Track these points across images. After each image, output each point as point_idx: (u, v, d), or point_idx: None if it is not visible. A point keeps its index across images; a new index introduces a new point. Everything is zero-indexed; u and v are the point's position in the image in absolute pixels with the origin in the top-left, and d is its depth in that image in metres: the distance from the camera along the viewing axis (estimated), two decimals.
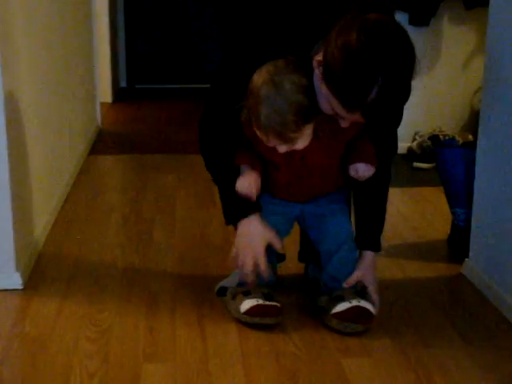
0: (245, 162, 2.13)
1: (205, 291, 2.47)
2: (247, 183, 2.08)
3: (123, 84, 6.68)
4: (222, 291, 2.37)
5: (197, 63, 6.48)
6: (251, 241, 2.14)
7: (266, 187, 2.19)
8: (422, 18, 3.92)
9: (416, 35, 3.96)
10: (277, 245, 2.17)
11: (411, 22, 3.91)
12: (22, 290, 2.44)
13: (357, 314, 2.12)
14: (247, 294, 2.17)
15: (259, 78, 1.94)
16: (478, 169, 2.57)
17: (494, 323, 2.29)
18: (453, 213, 2.84)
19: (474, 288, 2.52)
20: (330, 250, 2.23)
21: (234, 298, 2.22)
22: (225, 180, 2.20)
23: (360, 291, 2.21)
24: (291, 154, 2.04)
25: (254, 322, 2.14)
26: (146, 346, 2.12)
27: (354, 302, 2.13)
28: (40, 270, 2.63)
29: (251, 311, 2.14)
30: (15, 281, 2.44)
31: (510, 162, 2.33)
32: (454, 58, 4.01)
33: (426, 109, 4.01)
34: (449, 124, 4.04)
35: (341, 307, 2.14)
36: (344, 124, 1.95)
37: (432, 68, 4.01)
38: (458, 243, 2.79)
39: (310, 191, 2.24)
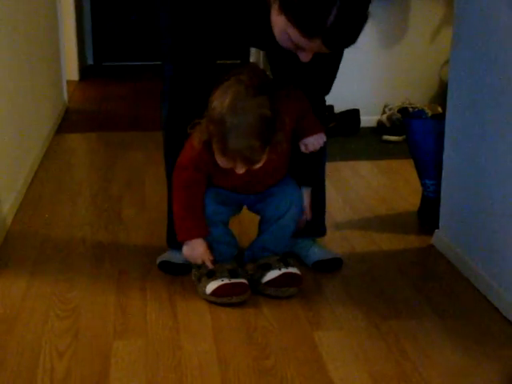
0: (197, 233, 2.18)
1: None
2: (199, 254, 2.19)
3: (90, 61, 6.63)
4: (163, 265, 2.42)
5: None
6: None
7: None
8: None
9: (383, 8, 4.01)
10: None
11: None
12: None
13: (289, 279, 2.22)
14: (211, 275, 2.19)
15: (221, 105, 1.97)
16: (446, 140, 2.59)
17: (464, 294, 2.31)
18: (422, 184, 2.87)
19: (445, 258, 2.55)
20: (272, 216, 2.27)
21: (199, 279, 2.24)
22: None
23: (282, 258, 2.27)
24: (240, 175, 2.09)
25: (222, 301, 2.17)
26: (116, 323, 2.12)
27: (283, 269, 2.22)
28: (7, 249, 2.62)
29: (217, 292, 2.17)
30: None
31: (477, 133, 2.34)
32: (421, 30, 4.02)
33: (395, 82, 4.02)
34: (418, 96, 4.07)
35: (272, 275, 2.22)
36: (304, 57, 1.92)
37: (400, 40, 4.02)
38: (428, 214, 2.81)
39: (258, 188, 2.28)
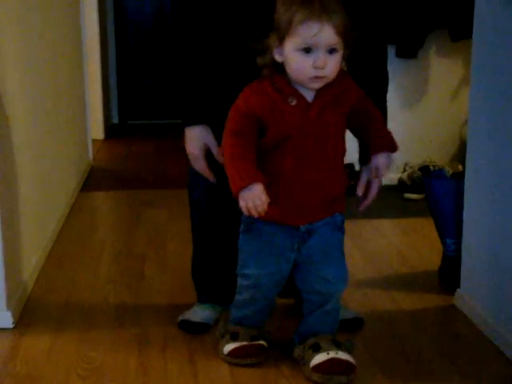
0: (252, 178, 1.89)
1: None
2: (259, 201, 1.89)
3: (115, 120, 6.70)
4: (183, 324, 2.40)
5: None
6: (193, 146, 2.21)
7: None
8: (409, 51, 3.95)
9: (403, 67, 4.04)
10: (214, 150, 2.15)
11: (398, 55, 3.95)
12: (12, 328, 2.43)
13: (338, 365, 2.00)
14: (235, 338, 2.14)
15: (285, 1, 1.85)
16: (466, 199, 2.59)
17: (488, 355, 2.29)
18: (443, 243, 2.84)
19: (467, 319, 2.52)
20: (314, 300, 2.12)
21: (222, 336, 2.20)
22: (190, 75, 2.21)
23: (335, 340, 2.09)
24: (305, 112, 1.92)
25: (236, 362, 2.13)
26: (137, 382, 2.11)
27: (332, 354, 2.01)
28: (31, 307, 2.62)
29: (233, 353, 2.13)
30: (6, 320, 2.43)
31: (497, 192, 2.34)
32: (442, 90, 4.04)
33: (416, 140, 4.03)
34: (439, 154, 4.07)
35: (320, 358, 2.02)
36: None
37: (421, 99, 4.04)
38: (449, 274, 2.79)
39: (318, 185, 1.99)
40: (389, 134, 2.08)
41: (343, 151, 2.05)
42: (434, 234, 2.94)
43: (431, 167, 3.75)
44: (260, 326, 2.19)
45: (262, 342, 2.13)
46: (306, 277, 2.10)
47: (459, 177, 2.78)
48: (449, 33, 3.88)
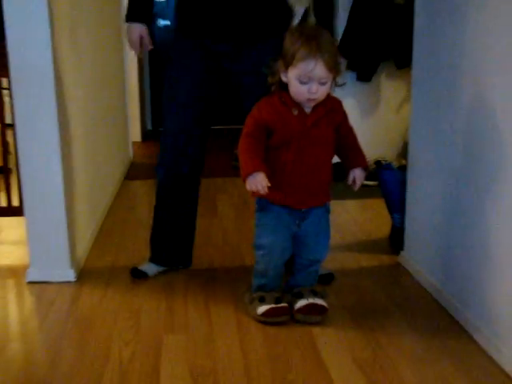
0: (256, 168, 1.89)
1: (210, 280, 2.47)
2: (260, 184, 1.88)
3: (149, 127, 6.63)
4: (135, 272, 2.46)
5: None
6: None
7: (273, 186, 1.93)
8: (366, 76, 3.94)
9: (362, 88, 4.03)
10: (146, 41, 2.31)
11: (358, 79, 3.94)
12: (74, 282, 2.44)
13: (315, 308, 2.06)
14: (263, 301, 2.07)
15: (295, 35, 1.86)
16: (408, 184, 2.60)
17: (423, 298, 2.31)
18: (391, 217, 2.85)
19: (408, 272, 2.54)
20: (304, 263, 2.14)
21: (251, 302, 2.11)
22: None
23: (313, 290, 2.12)
24: (304, 121, 1.92)
25: (269, 321, 2.05)
26: (165, 319, 2.13)
27: (311, 300, 2.06)
28: (88, 266, 2.63)
29: (266, 313, 2.05)
30: (70, 275, 2.44)
31: (428, 180, 2.35)
32: (390, 105, 4.03)
33: (372, 142, 3.97)
34: (388, 152, 4.04)
35: (301, 303, 2.06)
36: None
37: (375, 112, 4.03)
38: (395, 240, 2.79)
39: (312, 175, 1.99)
40: (363, 154, 2.07)
41: (331, 155, 2.05)
42: (384, 210, 2.95)
43: (383, 162, 3.75)
44: (278, 290, 2.13)
45: (285, 305, 2.07)
46: (303, 246, 2.10)
47: (403, 168, 2.78)
48: (395, 62, 3.87)
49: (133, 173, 4.52)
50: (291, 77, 1.87)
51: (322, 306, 2.07)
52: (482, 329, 1.93)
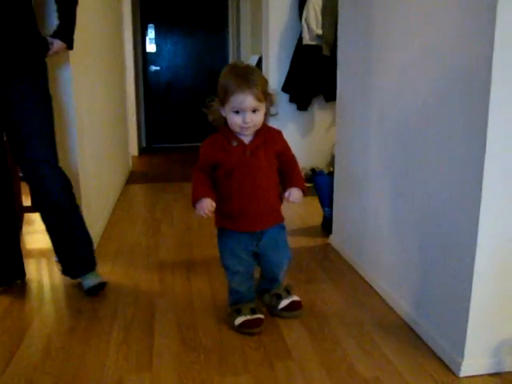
0: (203, 195, 1.63)
1: (190, 257, 2.46)
2: (205, 209, 1.61)
3: (144, 144, 6.52)
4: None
5: (189, 131, 6.45)
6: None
7: (226, 211, 1.69)
8: (303, 106, 3.92)
9: (300, 116, 4.00)
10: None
11: (298, 108, 3.94)
12: None
13: (296, 305, 1.84)
14: (239, 312, 1.76)
15: (224, 73, 1.59)
16: (335, 186, 2.61)
17: (345, 268, 2.32)
18: (323, 210, 2.86)
19: (335, 250, 2.55)
20: (274, 272, 1.84)
21: (231, 314, 1.79)
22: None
23: (286, 289, 1.88)
24: (243, 151, 1.62)
25: (246, 331, 1.73)
26: (158, 286, 2.12)
27: (290, 298, 1.84)
28: (100, 248, 2.60)
29: (242, 325, 1.74)
30: None
31: (349, 183, 2.37)
32: (321, 127, 4.01)
33: (308, 154, 3.99)
34: (320, 162, 4.04)
35: (284, 303, 1.83)
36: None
37: (310, 133, 4.02)
38: (326, 226, 2.80)
39: (256, 200, 1.66)
40: (301, 178, 1.72)
41: (275, 180, 1.70)
42: (318, 205, 2.97)
43: (316, 169, 3.76)
44: (253, 300, 1.81)
45: (260, 316, 1.77)
46: (264, 262, 1.78)
47: (331, 174, 2.78)
48: (324, 96, 3.89)
49: (132, 179, 4.48)
50: (227, 110, 1.58)
51: (298, 302, 1.85)
52: (377, 279, 1.99)
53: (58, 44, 1.94)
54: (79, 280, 2.09)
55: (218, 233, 1.76)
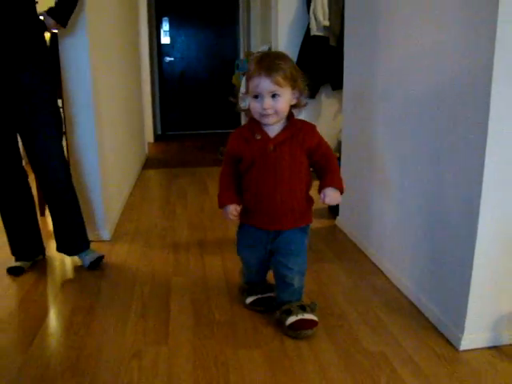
0: (228, 202, 1.54)
1: (204, 238, 2.46)
2: (229, 215, 1.53)
3: (159, 131, 6.53)
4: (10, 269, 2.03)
5: (202, 119, 6.45)
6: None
7: (245, 211, 1.56)
8: (311, 94, 3.89)
9: (308, 104, 3.98)
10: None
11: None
12: (109, 240, 2.43)
13: (305, 323, 1.54)
14: (250, 293, 1.72)
15: (249, 62, 1.45)
16: (342, 170, 2.55)
17: (350, 247, 2.32)
18: None
19: (342, 231, 2.55)
20: (279, 279, 1.62)
21: (242, 293, 1.75)
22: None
23: (301, 305, 1.59)
24: (266, 145, 1.46)
25: (255, 309, 1.70)
26: (173, 266, 2.12)
27: (300, 316, 1.55)
28: (118, 229, 2.61)
29: (253, 303, 1.71)
30: (106, 235, 2.43)
31: (354, 168, 2.36)
32: (328, 114, 4.00)
33: None
34: None
35: (291, 320, 1.55)
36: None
37: (318, 120, 4.01)
38: (333, 210, 2.79)
39: (274, 198, 1.50)
40: (338, 176, 1.51)
41: (301, 179, 1.51)
42: None
43: None
44: (264, 281, 1.75)
45: (271, 294, 1.71)
46: (275, 263, 1.60)
47: (338, 159, 2.78)
48: (331, 85, 3.87)
49: (148, 164, 4.48)
50: (250, 97, 1.45)
51: (311, 321, 1.55)
52: (382, 259, 1.98)
53: (49, 21, 1.91)
54: (76, 258, 2.14)
55: (238, 228, 1.65)
